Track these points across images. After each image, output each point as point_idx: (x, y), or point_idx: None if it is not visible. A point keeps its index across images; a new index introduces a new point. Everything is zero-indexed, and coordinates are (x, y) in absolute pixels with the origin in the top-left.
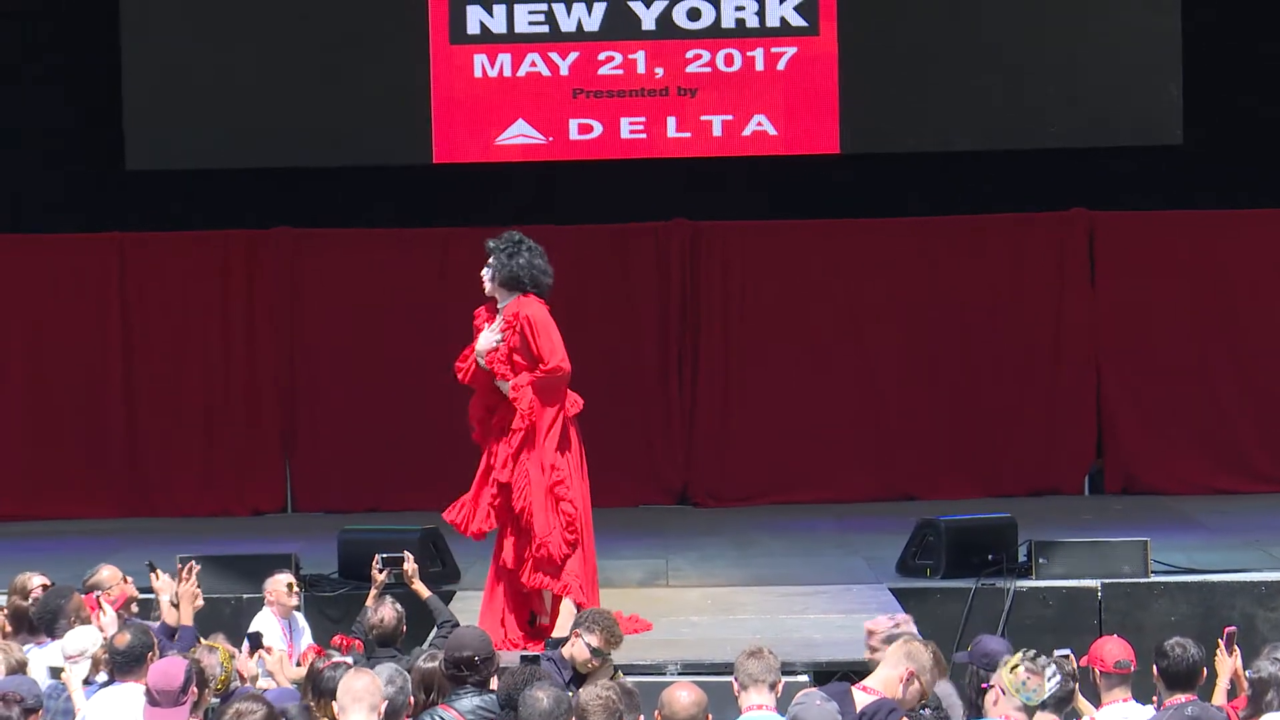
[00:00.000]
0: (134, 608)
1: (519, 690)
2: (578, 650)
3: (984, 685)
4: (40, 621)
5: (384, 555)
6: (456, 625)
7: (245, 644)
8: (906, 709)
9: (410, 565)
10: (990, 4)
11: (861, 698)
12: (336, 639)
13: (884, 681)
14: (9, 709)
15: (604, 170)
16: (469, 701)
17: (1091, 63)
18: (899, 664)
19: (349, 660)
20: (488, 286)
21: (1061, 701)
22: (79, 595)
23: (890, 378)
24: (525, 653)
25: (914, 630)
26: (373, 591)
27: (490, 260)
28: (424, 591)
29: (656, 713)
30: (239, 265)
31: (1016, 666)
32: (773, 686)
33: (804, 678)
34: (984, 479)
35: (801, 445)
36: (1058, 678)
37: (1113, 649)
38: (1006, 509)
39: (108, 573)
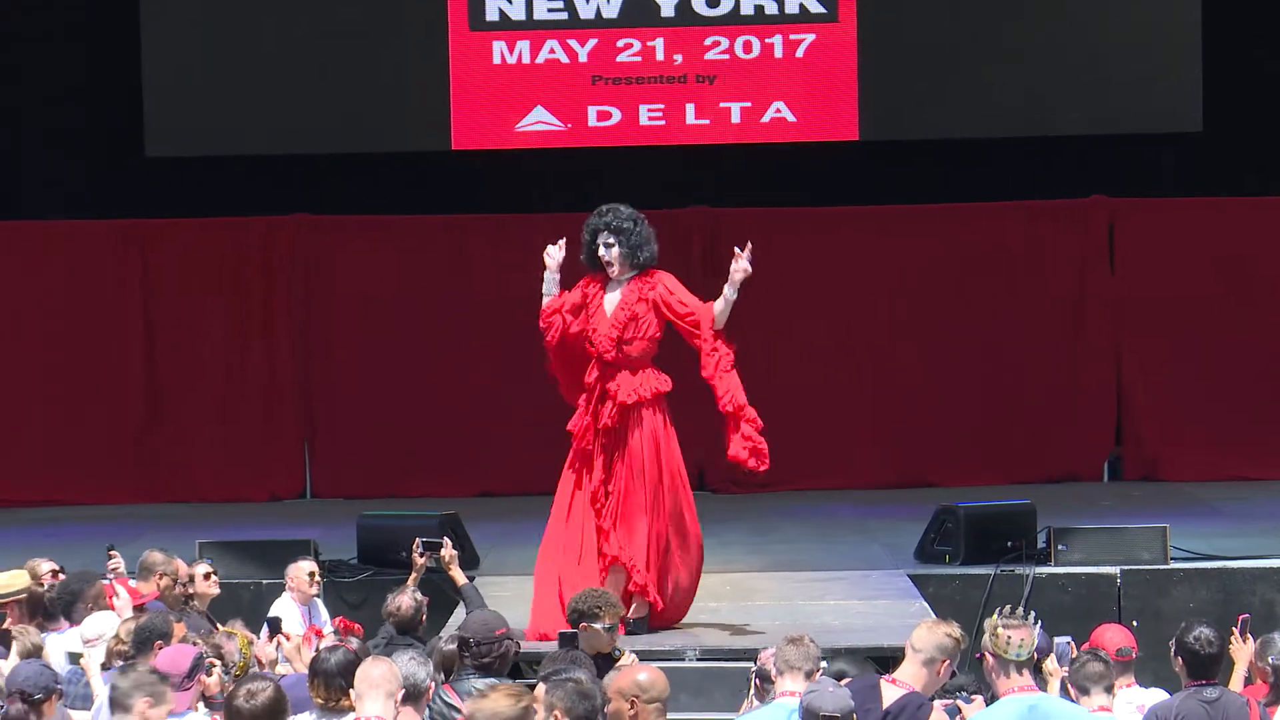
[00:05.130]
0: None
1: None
2: (596, 640)
3: (976, 655)
4: (56, 606)
5: (424, 540)
6: None
7: (264, 629)
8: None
9: (448, 551)
10: None
11: (890, 691)
12: (336, 622)
13: (914, 675)
14: (14, 704)
15: (623, 157)
16: (467, 684)
17: (1112, 50)
18: (932, 656)
19: (351, 643)
20: (616, 268)
21: (1109, 684)
22: (101, 582)
23: (910, 365)
24: (565, 631)
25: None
26: (413, 575)
27: (617, 239)
28: (460, 578)
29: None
30: (257, 251)
31: (997, 629)
32: (809, 675)
33: (824, 664)
34: (1003, 466)
35: (820, 432)
36: (1040, 622)
37: (1114, 637)
38: (1026, 496)
39: (160, 557)
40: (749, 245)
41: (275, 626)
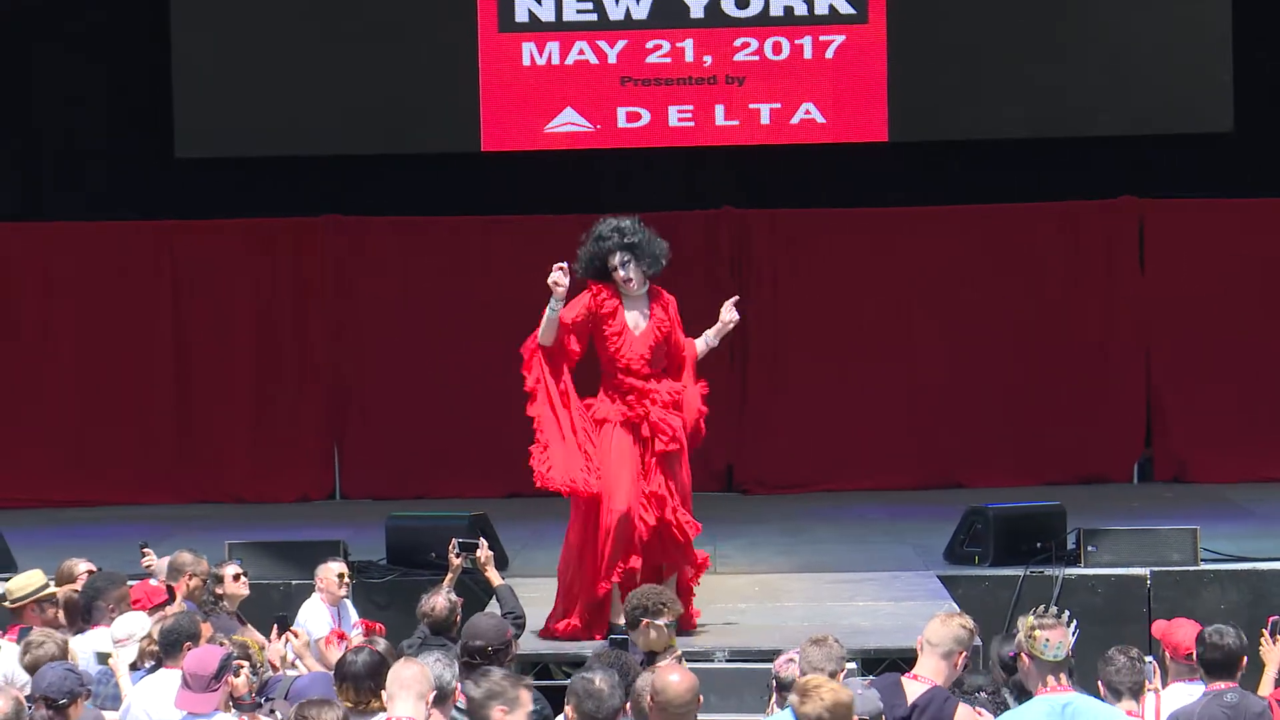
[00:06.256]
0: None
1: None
2: (656, 636)
3: (1010, 655)
4: (80, 606)
5: (460, 540)
6: (521, 617)
7: (274, 628)
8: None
9: (484, 552)
10: None
11: (913, 687)
12: (359, 623)
13: (933, 669)
14: (40, 709)
15: (652, 158)
16: None
17: (1142, 50)
18: (949, 649)
19: (377, 644)
20: (635, 283)
21: (1138, 687)
22: (127, 585)
23: (939, 365)
24: (616, 636)
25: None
26: (449, 576)
27: (634, 256)
28: (496, 579)
29: (569, 708)
30: (287, 253)
31: (1034, 629)
32: (833, 675)
33: (852, 665)
34: (1033, 467)
35: (849, 432)
36: (1075, 621)
37: (1187, 637)
38: (1055, 497)
39: (189, 557)
40: (736, 297)
41: (283, 624)
